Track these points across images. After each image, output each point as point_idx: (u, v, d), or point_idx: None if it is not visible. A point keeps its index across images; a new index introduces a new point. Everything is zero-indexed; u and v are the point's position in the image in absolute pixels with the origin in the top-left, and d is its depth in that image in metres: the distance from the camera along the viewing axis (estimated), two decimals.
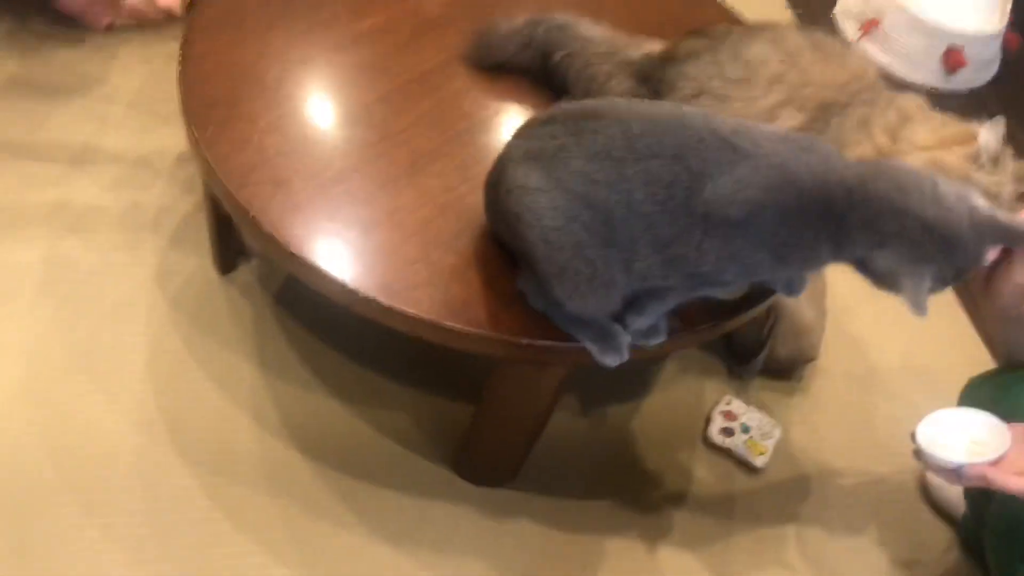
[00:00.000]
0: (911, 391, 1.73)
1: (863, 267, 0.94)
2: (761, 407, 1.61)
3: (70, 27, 1.87)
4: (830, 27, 2.64)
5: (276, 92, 1.26)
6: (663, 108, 1.00)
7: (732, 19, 1.61)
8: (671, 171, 0.94)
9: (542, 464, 1.46)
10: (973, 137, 1.07)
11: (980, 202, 0.90)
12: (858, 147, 1.10)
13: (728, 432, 1.54)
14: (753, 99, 1.17)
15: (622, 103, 1.01)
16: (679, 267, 0.97)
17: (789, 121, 1.17)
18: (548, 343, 1.09)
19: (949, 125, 1.11)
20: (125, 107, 1.80)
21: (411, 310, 1.07)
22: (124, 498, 1.31)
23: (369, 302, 1.08)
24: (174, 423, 1.40)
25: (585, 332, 1.08)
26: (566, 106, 1.04)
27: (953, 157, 1.05)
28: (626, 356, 1.09)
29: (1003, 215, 0.91)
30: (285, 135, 1.21)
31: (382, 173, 1.21)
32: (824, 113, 1.16)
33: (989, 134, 1.05)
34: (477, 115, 1.32)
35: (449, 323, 1.07)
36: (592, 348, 1.08)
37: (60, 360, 1.43)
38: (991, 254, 1.06)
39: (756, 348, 1.62)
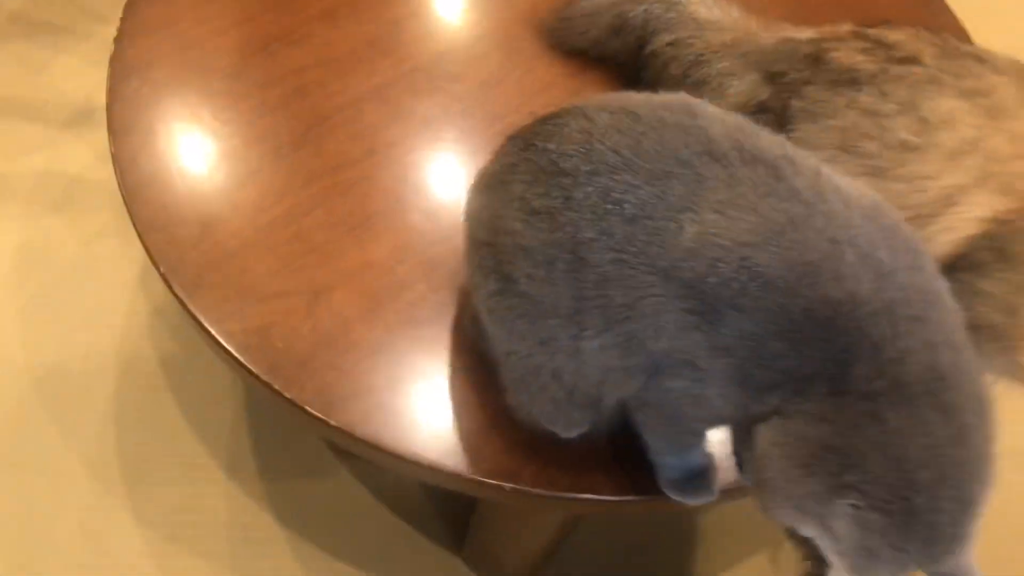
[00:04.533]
0: None
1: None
2: None
3: None
4: None
5: (233, 84, 0.95)
6: (661, 100, 0.62)
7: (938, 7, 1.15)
8: (638, 197, 0.57)
9: (582, 554, 1.15)
10: None
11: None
12: None
13: None
14: (923, 179, 0.75)
15: (607, 97, 0.65)
16: (635, 349, 0.60)
17: (977, 209, 0.73)
18: (540, 491, 0.76)
19: None
20: None
21: (351, 427, 0.76)
22: (61, 562, 1.10)
23: (290, 406, 0.77)
24: (133, 468, 1.17)
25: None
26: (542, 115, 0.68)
27: None
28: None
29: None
30: (232, 150, 0.90)
31: (356, 208, 0.88)
32: None
33: None
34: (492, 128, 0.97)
35: (398, 449, 0.76)
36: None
37: (18, 378, 1.22)
38: None
39: None
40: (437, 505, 1.18)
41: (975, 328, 0.74)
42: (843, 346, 0.53)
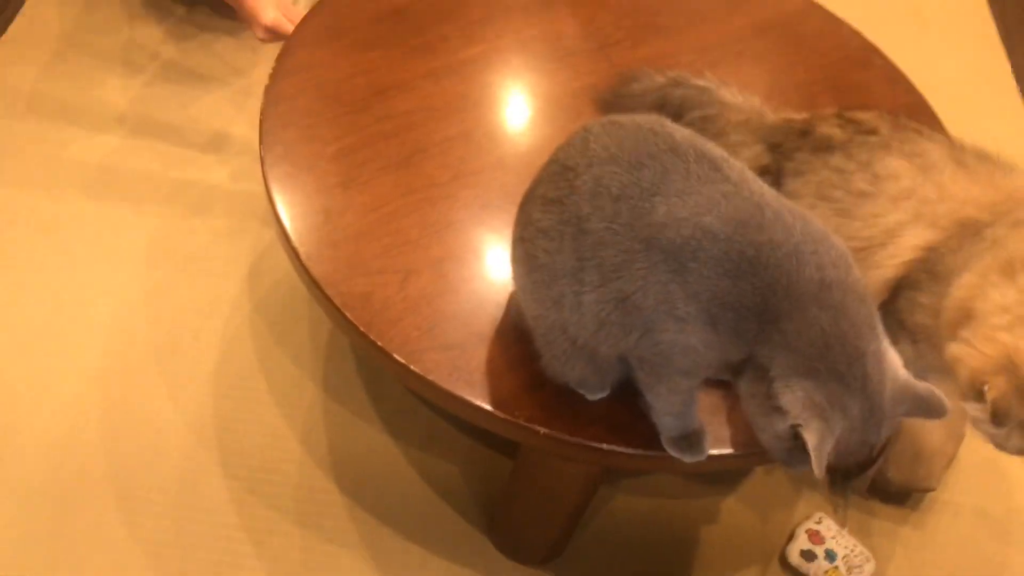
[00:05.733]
0: None
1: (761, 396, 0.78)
2: (858, 533, 1.39)
3: (229, 20, 1.93)
4: None
5: (356, 117, 1.21)
6: (640, 116, 0.86)
7: (898, 84, 1.40)
8: (620, 181, 0.80)
9: (592, 548, 1.33)
10: None
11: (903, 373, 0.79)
12: (966, 275, 0.88)
13: (809, 556, 1.34)
14: (874, 217, 0.98)
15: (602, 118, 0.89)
16: (630, 309, 0.81)
17: (913, 239, 0.96)
18: (566, 437, 0.96)
19: None
20: (260, 101, 1.83)
21: (426, 373, 0.98)
22: (159, 499, 1.31)
23: (381, 353, 1.00)
24: (225, 431, 1.39)
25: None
26: None
27: None
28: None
29: (921, 385, 0.79)
30: (351, 163, 1.16)
31: (443, 216, 1.12)
32: (962, 231, 0.94)
33: None
34: None
35: (462, 394, 0.98)
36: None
37: (139, 348, 1.46)
38: None
39: (865, 462, 1.40)
40: (472, 491, 1.37)
41: (915, 332, 0.95)
42: (765, 279, 0.75)
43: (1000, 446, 0.85)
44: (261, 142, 1.17)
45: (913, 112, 1.27)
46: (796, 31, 1.46)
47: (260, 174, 1.37)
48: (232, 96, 1.83)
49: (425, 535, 1.33)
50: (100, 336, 1.47)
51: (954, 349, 0.86)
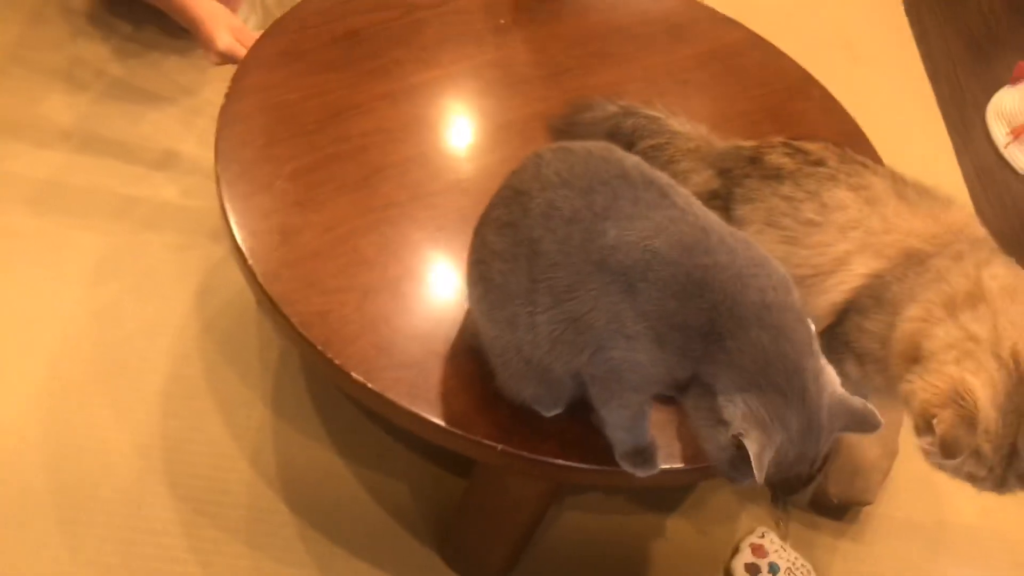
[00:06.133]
0: (987, 557, 1.51)
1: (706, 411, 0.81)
2: (799, 546, 1.44)
3: (177, 39, 1.91)
4: (981, 128, 2.41)
5: (313, 137, 1.22)
6: (590, 143, 0.90)
7: (834, 114, 1.47)
8: (572, 205, 0.83)
9: (541, 564, 1.35)
10: None
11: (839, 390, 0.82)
12: (913, 308, 0.93)
13: (753, 569, 1.38)
14: (824, 246, 1.03)
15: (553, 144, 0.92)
16: (582, 329, 0.84)
17: (860, 267, 1.01)
18: (523, 454, 0.98)
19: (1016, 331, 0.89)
20: (210, 120, 1.81)
21: (384, 391, 0.99)
22: (103, 521, 1.29)
23: (339, 372, 1.00)
24: (173, 452, 1.37)
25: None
26: None
27: (985, 397, 0.85)
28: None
29: (855, 401, 0.82)
30: (308, 183, 1.17)
31: (400, 236, 1.14)
32: (907, 261, 1.00)
33: None
34: None
35: (420, 412, 0.99)
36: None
37: (83, 367, 1.44)
38: None
39: (805, 478, 1.45)
40: (422, 509, 1.38)
41: (861, 356, 1.00)
42: (711, 300, 0.79)
43: (954, 472, 0.90)
44: (216, 161, 1.17)
45: (849, 140, 1.33)
46: (738, 62, 1.51)
47: (210, 192, 1.36)
48: (180, 115, 1.81)
49: (376, 554, 1.33)
50: (44, 354, 1.44)
51: (906, 385, 0.91)
